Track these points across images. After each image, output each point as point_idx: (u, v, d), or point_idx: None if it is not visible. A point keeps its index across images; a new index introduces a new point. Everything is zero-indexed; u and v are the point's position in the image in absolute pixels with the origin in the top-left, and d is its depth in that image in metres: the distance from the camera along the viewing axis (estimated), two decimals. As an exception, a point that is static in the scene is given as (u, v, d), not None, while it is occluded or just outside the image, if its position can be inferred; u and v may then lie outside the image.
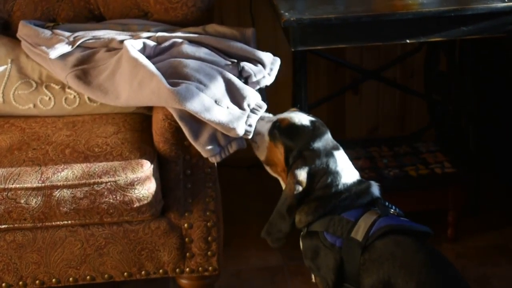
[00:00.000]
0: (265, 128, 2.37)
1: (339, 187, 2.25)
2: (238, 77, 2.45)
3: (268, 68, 2.52)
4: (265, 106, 2.40)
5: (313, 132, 2.30)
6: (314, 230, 2.23)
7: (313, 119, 2.34)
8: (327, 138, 2.31)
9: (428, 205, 2.97)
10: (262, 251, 2.99)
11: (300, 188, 2.24)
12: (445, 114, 3.23)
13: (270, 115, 2.41)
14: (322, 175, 2.25)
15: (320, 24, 2.55)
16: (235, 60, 2.52)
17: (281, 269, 2.89)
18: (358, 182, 2.28)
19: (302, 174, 2.24)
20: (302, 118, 2.34)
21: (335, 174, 2.25)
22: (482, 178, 3.13)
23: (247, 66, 2.48)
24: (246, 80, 2.47)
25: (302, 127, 2.31)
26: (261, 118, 2.40)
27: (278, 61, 2.56)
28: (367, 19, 2.53)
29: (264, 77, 2.51)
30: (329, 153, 2.28)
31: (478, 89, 3.08)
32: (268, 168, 2.40)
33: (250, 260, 2.95)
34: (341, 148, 2.32)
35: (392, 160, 3.07)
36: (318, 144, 2.28)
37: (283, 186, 2.36)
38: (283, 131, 2.32)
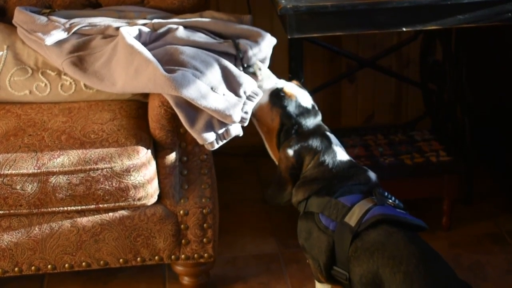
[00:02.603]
0: (268, 88, 2.41)
1: (335, 164, 2.29)
2: (235, 53, 2.46)
3: (264, 46, 2.51)
4: (261, 94, 2.40)
5: (312, 115, 2.37)
6: (310, 211, 2.25)
7: (313, 102, 2.41)
8: (320, 122, 2.39)
9: (423, 193, 2.98)
10: (258, 239, 3.00)
11: (291, 164, 2.30)
12: (440, 103, 3.23)
13: (275, 78, 2.45)
14: (316, 153, 2.30)
15: (317, 11, 2.54)
16: (231, 39, 2.51)
17: (277, 257, 2.90)
18: (352, 164, 2.31)
19: (294, 151, 2.31)
20: (306, 99, 2.39)
21: (329, 152, 2.31)
22: (476, 167, 3.14)
23: (242, 41, 2.48)
24: (244, 55, 2.47)
25: (305, 108, 2.37)
26: (268, 76, 2.44)
27: (273, 40, 2.56)
28: (364, 6, 2.53)
29: (260, 50, 2.50)
30: (323, 134, 2.34)
31: (474, 78, 3.08)
32: (254, 121, 2.44)
33: (245, 247, 2.96)
34: (332, 132, 2.39)
35: (388, 149, 3.08)
36: (314, 126, 2.36)
37: (266, 144, 2.44)
38: (285, 104, 2.36)
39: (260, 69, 2.45)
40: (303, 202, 2.29)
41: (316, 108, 2.41)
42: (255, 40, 2.51)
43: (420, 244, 2.09)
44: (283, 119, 2.36)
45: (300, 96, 2.39)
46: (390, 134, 3.21)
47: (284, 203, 2.38)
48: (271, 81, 2.44)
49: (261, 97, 2.39)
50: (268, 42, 2.54)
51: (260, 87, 2.42)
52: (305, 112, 2.37)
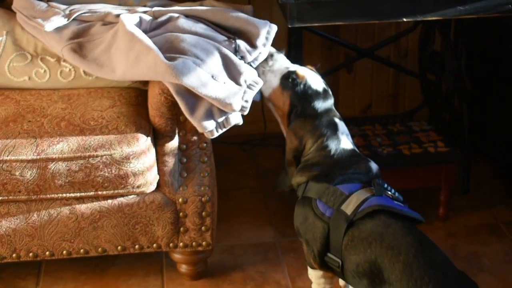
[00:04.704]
0: (280, 71, 2.41)
1: (338, 151, 2.30)
2: (233, 54, 2.45)
3: (263, 38, 2.50)
4: (261, 83, 2.40)
5: (322, 98, 2.37)
6: (308, 196, 2.25)
7: (325, 86, 2.41)
8: (332, 107, 2.39)
9: (421, 183, 2.99)
10: (255, 227, 3.01)
11: (294, 147, 2.32)
12: (438, 93, 3.24)
13: (288, 62, 2.45)
14: (319, 137, 2.31)
15: (317, 1, 2.54)
16: (232, 36, 2.51)
17: (274, 245, 2.91)
18: (354, 153, 2.32)
19: (297, 133, 2.32)
20: (318, 82, 2.40)
21: (334, 138, 2.31)
22: (473, 157, 3.15)
23: (242, 45, 2.48)
24: (243, 58, 2.47)
25: (315, 91, 2.37)
26: (277, 59, 2.45)
27: (274, 28, 2.55)
28: (364, -4, 2.53)
29: (260, 53, 2.50)
30: (331, 119, 2.34)
31: (472, 69, 3.08)
32: (270, 105, 2.45)
33: (242, 236, 2.96)
34: (342, 120, 2.38)
35: (386, 139, 3.08)
36: (322, 110, 2.36)
37: (282, 128, 2.44)
38: (296, 86, 2.37)
39: (272, 55, 2.46)
40: (302, 185, 2.29)
41: (329, 92, 2.40)
42: (253, 41, 2.50)
43: (417, 235, 2.10)
44: (293, 100, 2.36)
45: (311, 78, 2.39)
46: (388, 124, 3.22)
47: (288, 188, 2.39)
48: (284, 65, 2.44)
49: (274, 81, 2.40)
50: (269, 35, 2.52)
51: (272, 71, 2.42)
52: (314, 94, 2.36)
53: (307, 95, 2.36)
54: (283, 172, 2.41)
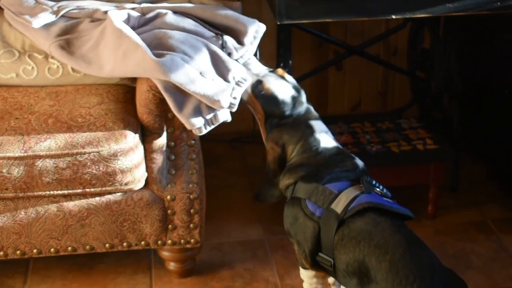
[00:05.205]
0: (251, 80, 2.41)
1: (319, 150, 2.30)
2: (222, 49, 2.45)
3: (251, 36, 2.50)
4: (250, 79, 2.39)
5: (291, 106, 2.37)
6: (297, 197, 2.25)
7: (294, 93, 2.40)
8: (306, 109, 2.40)
9: (409, 181, 2.99)
10: (244, 225, 3.00)
11: (277, 155, 2.33)
12: (427, 91, 3.24)
13: (260, 67, 2.45)
14: (298, 142, 2.31)
15: (306, -3, 2.54)
16: (219, 32, 2.50)
17: (263, 243, 2.90)
18: (339, 151, 2.32)
19: (278, 142, 2.34)
20: (285, 91, 2.39)
21: (312, 139, 2.32)
22: (462, 155, 3.15)
23: (229, 42, 2.47)
24: (229, 55, 2.46)
25: (281, 102, 2.37)
26: (247, 65, 2.45)
27: (263, 28, 2.55)
28: (353, -7, 2.53)
29: (247, 51, 2.50)
30: (305, 122, 2.35)
31: (461, 67, 3.09)
32: (251, 108, 2.46)
33: (231, 233, 2.95)
34: (319, 118, 2.39)
35: (375, 136, 3.08)
36: (295, 115, 2.37)
37: (261, 131, 2.45)
38: (264, 98, 2.38)
39: (246, 62, 2.46)
40: (291, 187, 2.29)
41: (300, 98, 2.40)
42: (240, 39, 2.49)
43: (406, 234, 2.10)
44: (265, 110, 2.38)
45: (277, 89, 2.38)
46: (377, 121, 3.21)
47: (277, 198, 2.38)
48: (255, 72, 2.43)
49: (247, 88, 2.40)
50: (257, 34, 2.52)
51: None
52: (282, 104, 2.37)
53: (275, 106, 2.37)
54: (265, 185, 2.40)
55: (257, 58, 2.53)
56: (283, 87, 2.39)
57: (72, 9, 2.61)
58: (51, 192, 2.42)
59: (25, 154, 2.35)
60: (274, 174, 2.36)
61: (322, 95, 3.63)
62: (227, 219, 3.03)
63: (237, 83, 2.36)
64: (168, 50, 2.36)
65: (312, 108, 2.42)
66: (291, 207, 2.30)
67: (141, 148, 2.44)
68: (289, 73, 2.53)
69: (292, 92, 2.40)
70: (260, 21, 2.57)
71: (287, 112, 2.37)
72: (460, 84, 2.98)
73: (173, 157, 2.52)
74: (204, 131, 2.36)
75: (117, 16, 2.48)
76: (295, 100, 2.39)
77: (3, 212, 2.45)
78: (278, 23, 2.60)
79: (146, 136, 2.46)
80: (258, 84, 2.39)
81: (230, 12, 2.57)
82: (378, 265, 2.04)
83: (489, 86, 3.20)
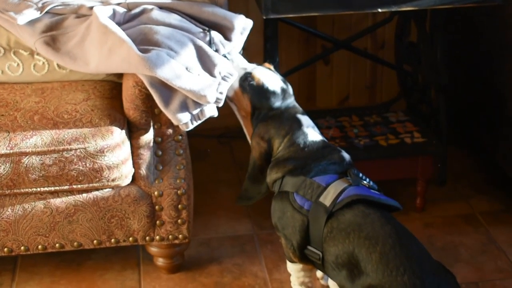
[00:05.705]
0: (238, 73, 2.40)
1: (307, 143, 2.30)
2: (208, 46, 2.44)
3: (238, 32, 2.50)
4: (236, 74, 2.39)
5: (281, 98, 2.37)
6: (285, 191, 2.25)
7: (283, 85, 2.40)
8: (293, 104, 2.40)
9: (397, 174, 2.99)
10: (232, 220, 3.00)
11: (264, 150, 2.32)
12: (415, 84, 3.24)
13: (245, 63, 2.44)
14: (285, 136, 2.31)
15: (292, -9, 2.54)
16: (206, 28, 2.50)
17: (251, 238, 2.90)
18: (325, 144, 2.31)
19: (264, 136, 2.33)
20: (275, 83, 2.38)
21: (300, 133, 2.32)
22: (449, 148, 3.16)
23: (216, 37, 2.46)
24: (216, 51, 2.46)
25: (272, 92, 2.36)
26: (234, 60, 2.44)
27: (250, 23, 2.55)
28: (339, -13, 2.53)
29: (234, 47, 2.50)
30: (293, 116, 2.35)
31: (448, 60, 3.09)
32: (232, 106, 2.45)
33: (220, 228, 2.95)
34: (305, 114, 2.39)
35: (363, 130, 3.09)
36: (283, 108, 2.36)
37: (244, 130, 2.44)
38: (253, 89, 2.38)
39: (231, 58, 2.45)
40: (278, 181, 2.29)
41: (288, 91, 2.41)
42: (228, 35, 2.49)
43: (396, 225, 2.11)
44: (253, 102, 2.37)
45: (267, 79, 2.39)
46: (365, 115, 3.22)
47: (263, 195, 2.38)
48: (242, 66, 2.43)
49: (234, 82, 2.39)
50: (244, 31, 2.52)
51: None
52: (272, 95, 2.37)
53: (266, 97, 2.37)
54: (247, 182, 2.40)
55: (242, 55, 2.53)
56: (273, 78, 2.40)
57: (57, 5, 2.60)
58: (38, 189, 2.41)
59: (11, 151, 2.34)
60: (261, 170, 2.35)
61: (310, 90, 3.63)
62: (215, 214, 3.03)
63: (223, 78, 2.36)
64: (153, 46, 2.35)
65: (296, 103, 2.42)
66: (279, 201, 2.30)
67: (127, 144, 2.43)
68: (276, 68, 2.53)
69: (281, 83, 2.40)
70: (247, 16, 2.56)
71: (277, 104, 2.37)
72: (447, 78, 2.98)
73: (160, 152, 2.51)
74: (191, 127, 2.36)
75: (103, 12, 2.46)
76: (284, 91, 2.39)
77: (-11, 209, 2.44)
78: (264, 17, 2.60)
79: (133, 132, 2.46)
80: (247, 76, 2.38)
81: (217, 9, 2.56)
82: (368, 256, 2.05)
83: (476, 79, 3.20)
